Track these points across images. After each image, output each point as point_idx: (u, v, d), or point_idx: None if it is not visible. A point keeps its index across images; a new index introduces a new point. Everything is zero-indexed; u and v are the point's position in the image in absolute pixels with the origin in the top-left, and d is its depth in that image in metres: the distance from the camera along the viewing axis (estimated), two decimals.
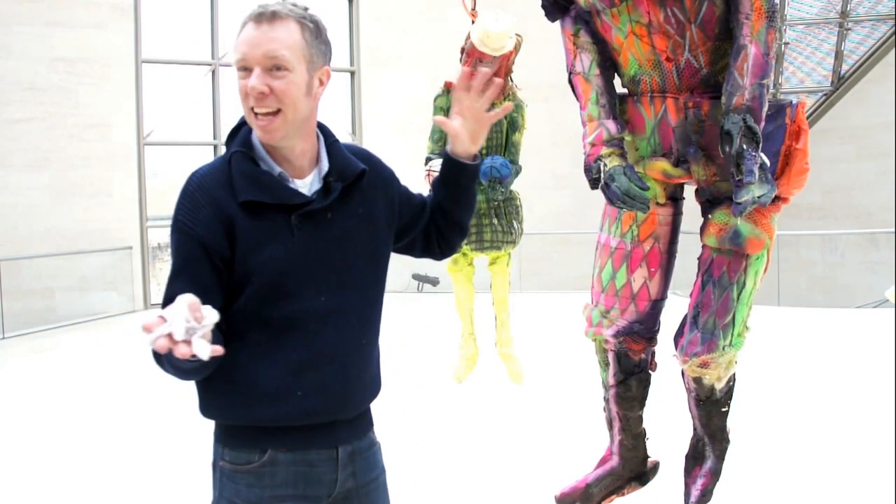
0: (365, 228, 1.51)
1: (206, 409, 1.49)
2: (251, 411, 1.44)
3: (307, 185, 1.46)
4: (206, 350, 1.19)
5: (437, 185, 1.65)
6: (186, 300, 1.21)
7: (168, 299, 1.37)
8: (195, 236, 1.39)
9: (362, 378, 1.53)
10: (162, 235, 9.62)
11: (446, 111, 4.51)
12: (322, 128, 1.52)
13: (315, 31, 1.43)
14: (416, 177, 5.15)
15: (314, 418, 1.46)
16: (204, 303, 1.31)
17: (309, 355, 1.44)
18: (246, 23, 1.40)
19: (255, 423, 1.45)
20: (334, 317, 1.46)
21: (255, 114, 1.40)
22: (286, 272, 1.41)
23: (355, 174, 1.49)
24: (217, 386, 1.45)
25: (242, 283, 1.41)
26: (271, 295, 1.40)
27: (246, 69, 1.39)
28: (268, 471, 1.45)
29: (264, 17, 1.38)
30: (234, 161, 1.43)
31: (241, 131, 1.48)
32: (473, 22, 4.44)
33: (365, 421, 1.57)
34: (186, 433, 4.22)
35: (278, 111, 1.39)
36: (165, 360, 1.32)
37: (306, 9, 1.44)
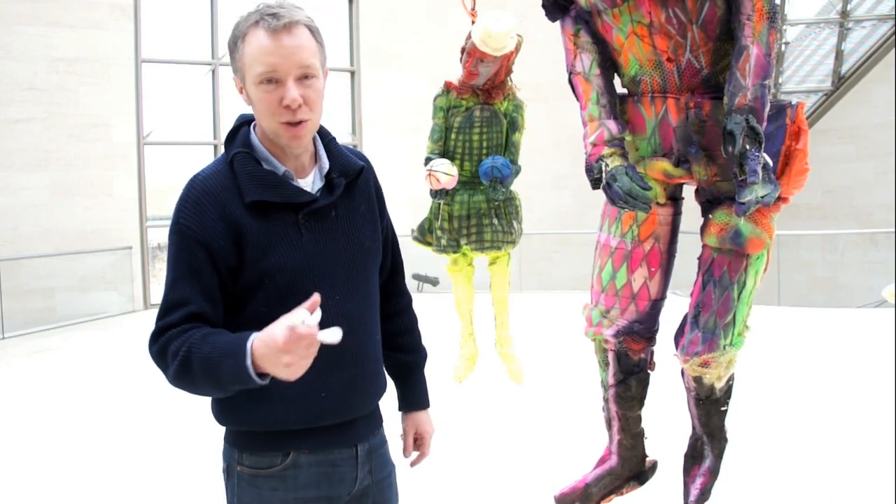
0: (367, 225, 1.52)
1: (224, 416, 1.47)
2: (274, 417, 1.42)
3: (309, 183, 1.46)
4: (335, 334, 1.22)
5: (391, 365, 1.68)
6: (300, 313, 1.22)
7: (175, 303, 1.35)
8: (201, 241, 1.36)
9: (378, 374, 1.55)
10: (162, 236, 9.62)
11: (446, 111, 4.55)
12: (319, 127, 1.52)
13: (320, 34, 1.42)
14: (417, 177, 5.16)
15: (337, 418, 1.47)
16: (211, 310, 1.35)
17: (330, 356, 1.38)
18: (251, 31, 1.36)
19: (279, 427, 1.43)
20: (350, 315, 1.44)
21: (287, 124, 1.38)
22: (299, 272, 1.40)
23: (356, 171, 1.51)
24: (236, 394, 1.41)
25: (254, 287, 1.38)
26: (286, 297, 1.36)
27: (273, 81, 1.35)
28: (290, 473, 1.44)
29: (284, 27, 1.34)
30: (238, 162, 1.41)
31: (239, 132, 1.47)
32: (473, 22, 4.45)
33: (377, 417, 1.58)
34: (188, 433, 4.22)
35: (308, 119, 1.39)
36: (204, 379, 1.29)
37: (302, 10, 1.41)
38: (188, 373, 1.30)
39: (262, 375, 1.26)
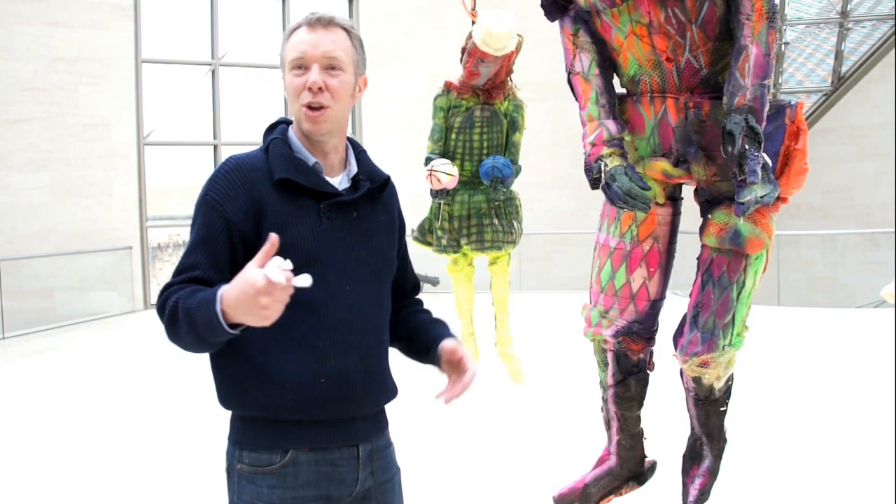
0: (385, 235, 1.58)
1: (225, 398, 1.49)
2: (274, 398, 1.43)
3: (337, 182, 1.54)
4: (306, 279, 1.27)
5: (407, 339, 1.68)
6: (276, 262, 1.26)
7: (185, 268, 1.43)
8: (222, 212, 1.43)
9: (382, 373, 1.56)
10: (162, 235, 9.62)
11: (446, 111, 4.55)
12: (351, 140, 1.62)
13: (359, 42, 1.56)
14: (417, 177, 5.16)
15: (336, 410, 1.47)
16: (217, 278, 1.40)
17: (333, 343, 1.45)
18: (298, 27, 1.51)
19: (277, 413, 1.44)
20: (358, 308, 1.49)
21: (308, 107, 1.48)
22: (311, 255, 1.44)
23: (382, 179, 1.60)
24: (237, 373, 1.46)
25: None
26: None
27: (303, 67, 1.48)
28: (290, 471, 1.46)
29: (320, 22, 1.49)
30: (273, 146, 1.51)
31: (277, 127, 1.57)
32: (474, 22, 4.45)
33: (382, 420, 1.60)
34: (189, 433, 4.22)
35: (328, 106, 1.49)
36: (185, 329, 1.34)
37: (351, 23, 1.56)
38: (175, 325, 1.37)
39: (233, 327, 1.30)
